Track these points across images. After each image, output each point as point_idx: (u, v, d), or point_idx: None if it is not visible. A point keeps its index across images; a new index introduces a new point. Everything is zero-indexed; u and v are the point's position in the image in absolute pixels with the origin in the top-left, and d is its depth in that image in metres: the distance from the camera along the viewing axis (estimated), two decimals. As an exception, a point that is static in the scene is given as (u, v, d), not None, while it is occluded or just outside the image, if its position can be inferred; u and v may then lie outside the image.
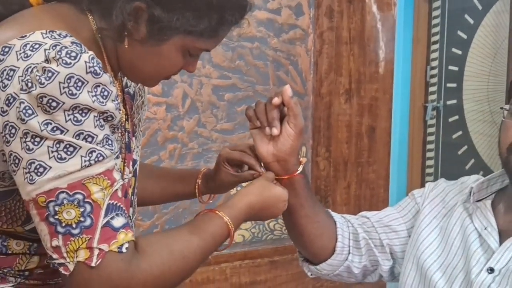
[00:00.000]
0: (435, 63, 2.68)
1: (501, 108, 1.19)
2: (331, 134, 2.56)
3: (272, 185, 1.10)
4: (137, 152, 1.07)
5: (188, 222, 0.99)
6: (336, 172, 2.59)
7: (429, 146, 2.73)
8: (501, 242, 1.15)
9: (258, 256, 2.45)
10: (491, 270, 1.13)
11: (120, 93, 0.98)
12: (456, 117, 2.60)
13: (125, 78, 1.04)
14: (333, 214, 1.35)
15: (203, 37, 0.91)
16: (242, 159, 1.19)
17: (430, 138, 2.73)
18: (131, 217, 1.05)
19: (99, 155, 0.82)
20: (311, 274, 1.37)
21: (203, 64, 2.29)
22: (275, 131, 1.11)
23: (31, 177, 0.80)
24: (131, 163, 1.02)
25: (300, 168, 1.19)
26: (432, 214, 1.29)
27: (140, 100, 1.10)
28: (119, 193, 0.85)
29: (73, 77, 0.78)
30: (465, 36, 2.53)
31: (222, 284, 2.38)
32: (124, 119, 0.98)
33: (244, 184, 1.16)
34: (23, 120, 0.79)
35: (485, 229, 1.18)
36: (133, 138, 1.04)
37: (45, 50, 0.80)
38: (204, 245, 0.94)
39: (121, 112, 0.96)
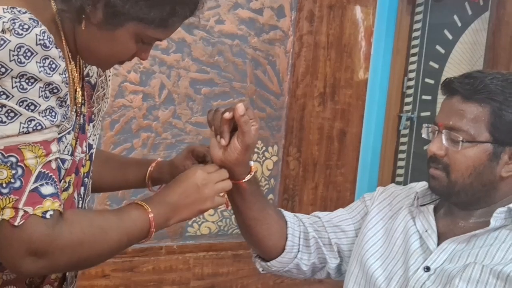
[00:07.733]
0: (412, 75, 2.73)
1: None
2: (303, 135, 2.60)
3: (190, 169, 1.13)
4: (94, 139, 1.12)
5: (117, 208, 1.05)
6: (305, 173, 2.63)
7: (400, 155, 2.78)
8: (439, 243, 1.21)
9: (222, 249, 2.49)
10: (427, 269, 1.19)
11: (77, 76, 1.03)
12: (429, 129, 2.64)
13: (87, 67, 1.10)
14: (285, 213, 1.40)
15: (154, 26, 0.96)
16: (205, 153, 1.26)
17: (402, 147, 2.77)
18: (83, 199, 1.10)
19: (37, 124, 0.88)
20: (263, 270, 1.43)
21: (183, 57, 2.33)
22: (223, 142, 1.16)
23: None
24: (84, 143, 1.07)
25: (248, 177, 1.24)
26: (379, 216, 1.35)
27: (102, 91, 1.15)
28: (53, 165, 0.91)
29: (23, 46, 0.85)
30: (443, 51, 2.58)
31: (184, 273, 2.41)
32: (80, 101, 1.04)
33: None
34: None
35: (426, 231, 1.24)
36: (90, 124, 1.10)
37: (3, 22, 0.86)
38: (123, 227, 1.00)
39: (77, 92, 1.01)
